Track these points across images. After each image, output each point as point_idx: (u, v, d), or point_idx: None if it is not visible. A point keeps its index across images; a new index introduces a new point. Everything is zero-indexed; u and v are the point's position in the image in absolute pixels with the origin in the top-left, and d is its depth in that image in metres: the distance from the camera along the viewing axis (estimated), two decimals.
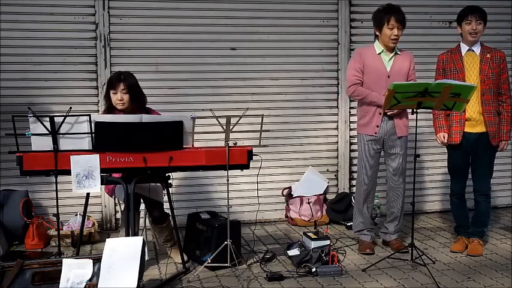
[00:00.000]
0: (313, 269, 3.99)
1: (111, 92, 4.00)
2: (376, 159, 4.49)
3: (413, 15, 5.66)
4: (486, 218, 4.56)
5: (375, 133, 4.40)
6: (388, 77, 4.35)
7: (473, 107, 4.27)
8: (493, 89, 4.30)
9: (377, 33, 4.38)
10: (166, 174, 3.91)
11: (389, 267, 4.15)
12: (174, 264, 4.22)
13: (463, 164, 4.45)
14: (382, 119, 4.37)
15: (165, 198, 4.04)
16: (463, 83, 4.04)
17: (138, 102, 4.04)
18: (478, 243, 4.48)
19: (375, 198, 5.33)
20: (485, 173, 4.43)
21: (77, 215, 4.90)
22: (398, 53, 4.42)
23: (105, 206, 5.21)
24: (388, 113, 4.34)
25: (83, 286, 3.20)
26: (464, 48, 4.36)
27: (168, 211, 4.13)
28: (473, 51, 4.33)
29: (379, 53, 4.39)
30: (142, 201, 4.14)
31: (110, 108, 4.05)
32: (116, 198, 4.49)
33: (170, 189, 3.95)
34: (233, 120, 3.84)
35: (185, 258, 4.17)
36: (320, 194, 5.48)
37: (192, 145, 3.87)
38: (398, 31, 4.29)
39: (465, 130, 4.34)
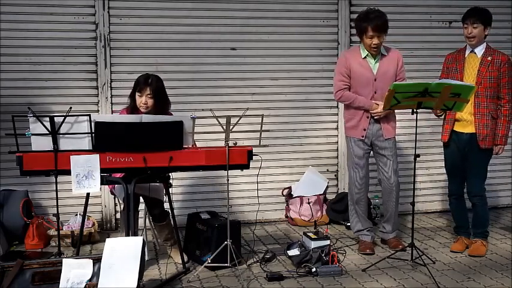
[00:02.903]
0: (313, 269, 3.99)
1: (137, 94, 4.02)
2: (366, 159, 4.49)
3: (413, 15, 5.68)
4: (484, 219, 4.52)
5: (362, 136, 4.41)
6: (375, 80, 4.35)
7: (465, 108, 4.24)
8: (490, 92, 4.25)
9: (360, 39, 4.37)
10: (166, 174, 3.91)
11: (389, 267, 4.15)
12: (174, 264, 4.22)
13: (457, 164, 4.45)
14: (369, 122, 4.38)
15: (165, 198, 4.04)
16: (463, 83, 4.03)
17: (162, 107, 4.05)
18: (481, 244, 4.46)
19: (375, 198, 5.36)
20: (476, 175, 4.39)
21: (77, 215, 4.90)
22: (384, 53, 4.39)
23: (105, 206, 5.21)
24: (375, 117, 4.35)
25: (83, 286, 3.20)
26: (468, 49, 4.34)
27: (168, 210, 4.13)
28: (475, 53, 4.30)
29: (365, 57, 4.37)
30: (142, 200, 4.14)
31: (134, 109, 4.06)
32: (116, 198, 4.50)
33: (170, 189, 3.96)
34: (233, 120, 3.84)
35: (185, 258, 4.17)
36: (320, 194, 5.48)
37: (193, 145, 3.87)
38: (378, 39, 4.24)
39: (456, 130, 4.35)
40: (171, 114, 4.12)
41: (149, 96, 3.99)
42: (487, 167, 4.47)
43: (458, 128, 4.35)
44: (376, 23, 4.20)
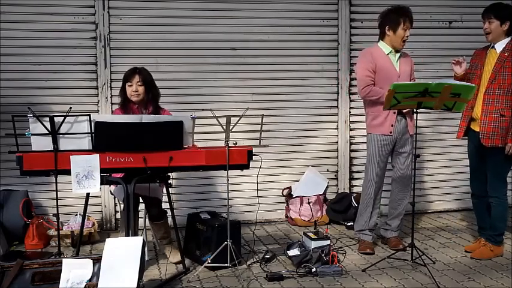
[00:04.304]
0: (313, 269, 3.99)
1: (127, 85, 4.09)
2: (386, 159, 4.50)
3: (413, 15, 5.66)
4: (498, 222, 4.34)
5: (390, 132, 4.39)
6: (399, 76, 4.37)
7: (479, 106, 4.22)
8: (504, 88, 4.14)
9: (388, 33, 4.36)
10: (166, 174, 3.91)
11: (389, 267, 4.15)
12: (174, 264, 4.22)
13: (476, 163, 4.40)
14: (396, 118, 4.38)
15: (165, 198, 4.04)
16: (462, 83, 4.01)
17: (152, 94, 4.13)
18: (487, 248, 4.35)
19: None
20: (492, 174, 4.30)
21: (77, 215, 4.90)
22: (401, 53, 4.46)
23: (105, 206, 5.21)
24: (403, 111, 4.34)
25: (83, 286, 3.20)
26: (491, 45, 4.30)
27: (166, 209, 4.13)
28: (494, 48, 4.25)
29: (388, 54, 4.40)
30: (141, 200, 4.15)
31: (125, 102, 4.13)
32: (116, 198, 4.50)
33: (170, 189, 3.96)
34: (233, 120, 3.84)
35: (179, 258, 4.18)
36: (320, 194, 5.48)
37: (193, 145, 3.87)
38: (409, 32, 4.36)
39: (473, 128, 4.31)
40: (170, 114, 4.13)
41: (139, 84, 4.06)
42: (506, 168, 4.31)
43: (473, 126, 4.31)
44: (410, 16, 4.36)
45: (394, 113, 4.36)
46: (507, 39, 4.22)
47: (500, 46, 4.22)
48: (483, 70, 4.25)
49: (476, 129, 4.27)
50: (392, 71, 4.37)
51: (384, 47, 4.40)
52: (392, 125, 4.39)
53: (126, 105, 4.11)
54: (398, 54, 4.41)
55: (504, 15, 4.18)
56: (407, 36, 4.34)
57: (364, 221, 4.58)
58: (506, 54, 4.17)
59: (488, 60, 4.26)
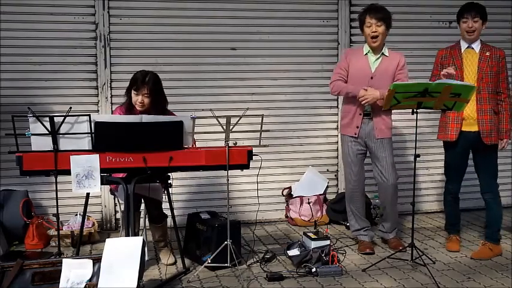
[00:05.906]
0: (313, 269, 3.99)
1: (133, 92, 3.97)
2: (360, 159, 4.47)
3: (413, 15, 5.68)
4: (497, 218, 4.41)
5: (355, 134, 4.39)
6: (372, 78, 4.34)
7: (470, 106, 4.21)
8: (491, 87, 4.26)
9: (362, 34, 4.42)
10: (166, 174, 3.91)
11: (389, 267, 4.15)
12: (171, 265, 4.22)
13: (460, 163, 4.42)
14: (362, 120, 4.37)
15: (165, 198, 4.04)
16: (463, 83, 4.02)
17: (159, 105, 4.02)
18: (488, 248, 4.36)
19: (375, 198, 5.34)
20: (489, 172, 4.36)
21: (77, 215, 4.90)
22: (386, 54, 4.39)
23: (105, 206, 5.21)
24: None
25: (83, 286, 3.20)
26: (463, 45, 4.33)
27: (167, 211, 4.13)
28: (472, 48, 4.30)
29: (366, 54, 4.39)
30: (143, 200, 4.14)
31: (131, 105, 4.02)
32: (116, 198, 4.50)
33: (170, 189, 3.96)
34: (233, 120, 3.84)
35: (173, 260, 4.20)
36: (320, 194, 5.48)
37: (193, 145, 3.87)
38: (377, 28, 4.27)
39: (463, 129, 4.31)
40: (174, 114, 4.11)
41: (146, 95, 3.96)
42: (497, 163, 4.43)
43: (465, 127, 4.30)
44: (374, 12, 4.29)
45: (360, 114, 4.36)
46: (479, 39, 4.32)
47: (477, 46, 4.30)
48: (463, 70, 4.29)
49: (470, 129, 4.29)
50: (365, 71, 4.36)
51: (365, 47, 4.42)
52: (357, 127, 4.38)
53: (130, 109, 4.01)
54: (378, 55, 4.37)
55: (485, 14, 4.28)
56: (373, 32, 4.27)
57: (354, 222, 4.59)
58: (487, 54, 4.25)
59: (467, 60, 4.30)
